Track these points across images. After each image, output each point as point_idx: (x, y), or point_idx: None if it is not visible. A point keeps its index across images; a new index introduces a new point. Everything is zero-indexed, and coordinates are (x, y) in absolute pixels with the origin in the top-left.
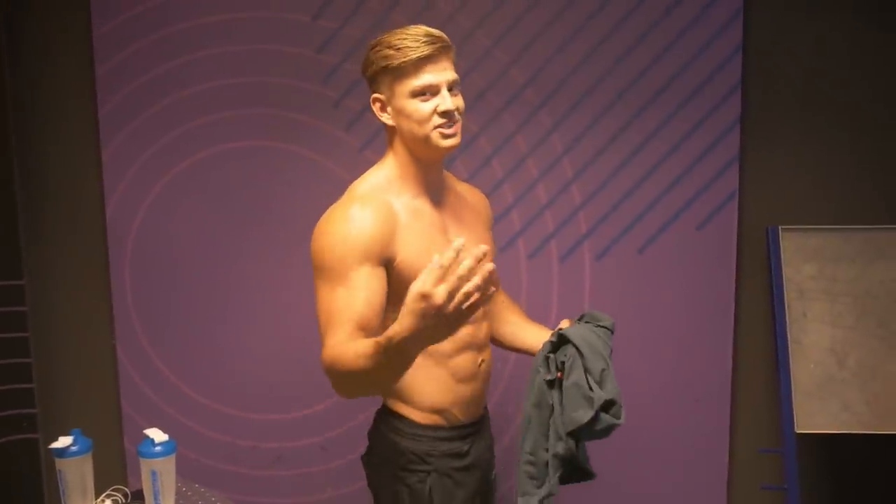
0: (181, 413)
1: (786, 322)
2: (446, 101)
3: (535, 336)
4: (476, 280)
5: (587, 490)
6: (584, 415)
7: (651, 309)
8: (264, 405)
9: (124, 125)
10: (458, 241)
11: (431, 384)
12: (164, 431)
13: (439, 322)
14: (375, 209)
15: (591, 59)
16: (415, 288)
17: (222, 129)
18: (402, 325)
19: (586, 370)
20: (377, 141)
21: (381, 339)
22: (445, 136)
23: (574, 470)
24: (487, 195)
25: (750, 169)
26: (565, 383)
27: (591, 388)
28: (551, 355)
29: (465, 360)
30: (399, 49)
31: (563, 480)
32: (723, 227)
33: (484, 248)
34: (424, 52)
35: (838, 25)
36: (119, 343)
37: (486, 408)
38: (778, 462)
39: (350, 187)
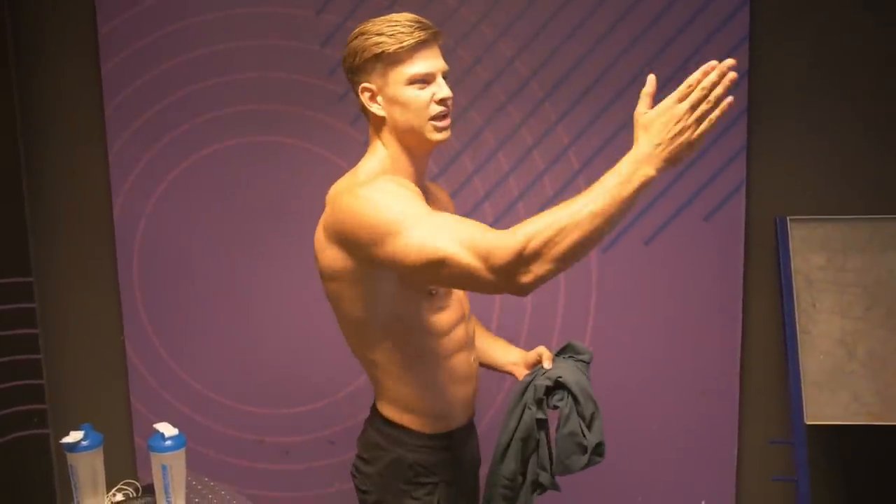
0: (190, 407)
1: (794, 313)
2: (443, 88)
3: (503, 353)
4: (719, 90)
5: (598, 481)
6: (578, 461)
7: (658, 301)
8: (272, 399)
9: (131, 122)
10: (710, 63)
11: (432, 389)
12: (174, 426)
13: (680, 139)
14: (402, 180)
15: (597, 50)
16: (661, 105)
17: (227, 125)
18: (641, 147)
19: (580, 416)
20: None
21: (614, 176)
22: (439, 130)
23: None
24: (493, 188)
25: (757, 159)
26: (562, 431)
27: (584, 435)
28: (544, 397)
29: (461, 361)
30: (392, 35)
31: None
32: (730, 217)
33: (731, 62)
34: (421, 38)
35: (845, 14)
36: (127, 338)
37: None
38: (787, 453)
39: (347, 176)
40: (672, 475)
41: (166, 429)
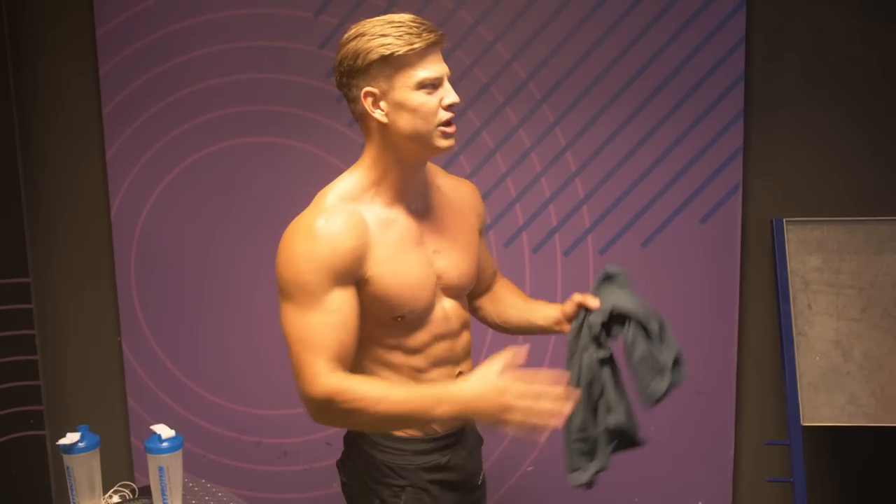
0: (187, 409)
1: (791, 314)
2: (451, 93)
3: (543, 316)
4: (550, 410)
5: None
6: (660, 385)
7: (655, 302)
8: (270, 401)
9: (128, 123)
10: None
11: None
12: (171, 427)
13: (501, 419)
14: (344, 223)
15: (594, 52)
16: (510, 389)
17: (225, 126)
18: (467, 396)
19: (649, 336)
20: None
21: (428, 392)
22: (446, 136)
23: (623, 440)
24: (491, 190)
25: (754, 161)
26: (633, 360)
27: (656, 356)
28: (602, 332)
29: (440, 375)
30: (400, 37)
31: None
32: (727, 219)
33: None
34: (431, 40)
35: (841, 17)
36: (124, 340)
37: None
38: (784, 454)
39: (319, 194)
40: (669, 476)
41: (163, 430)
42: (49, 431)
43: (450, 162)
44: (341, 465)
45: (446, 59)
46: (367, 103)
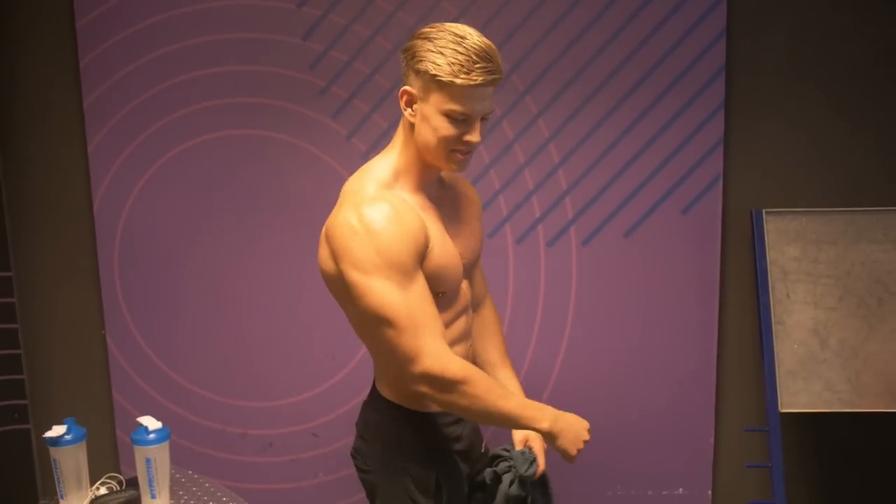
0: (172, 401)
1: (770, 303)
2: (475, 133)
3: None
4: None
5: (578, 470)
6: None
7: (637, 292)
8: (255, 392)
9: (110, 116)
10: None
11: None
12: (156, 419)
13: (570, 444)
14: (404, 206)
15: (577, 44)
16: (585, 426)
17: (208, 118)
18: (564, 419)
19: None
20: (364, 128)
21: (538, 405)
22: (454, 161)
23: None
24: (475, 181)
25: (734, 153)
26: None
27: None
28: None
29: (458, 351)
30: (452, 64)
31: None
32: (707, 210)
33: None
34: (477, 82)
35: (821, 9)
36: (109, 333)
37: None
38: (762, 440)
39: (359, 183)
40: (650, 463)
41: (150, 422)
42: (34, 426)
43: None
44: (357, 453)
45: None
46: (402, 100)
